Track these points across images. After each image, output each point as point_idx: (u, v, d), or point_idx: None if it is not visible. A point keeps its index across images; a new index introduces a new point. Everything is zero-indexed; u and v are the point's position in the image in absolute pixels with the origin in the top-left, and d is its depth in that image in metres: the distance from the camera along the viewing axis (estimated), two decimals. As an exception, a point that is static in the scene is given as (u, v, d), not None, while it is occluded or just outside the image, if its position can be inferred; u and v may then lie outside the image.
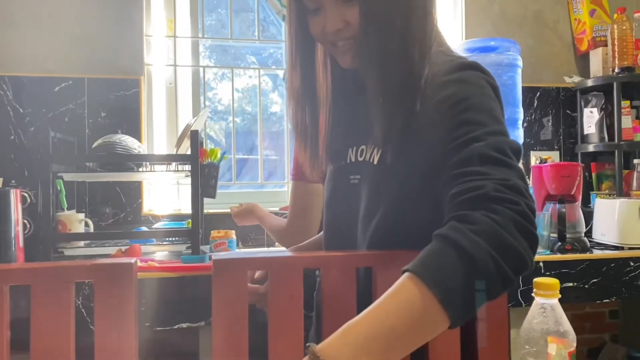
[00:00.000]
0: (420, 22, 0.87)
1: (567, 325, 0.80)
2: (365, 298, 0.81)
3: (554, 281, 0.80)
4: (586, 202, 2.36)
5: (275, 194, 2.46)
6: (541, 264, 1.74)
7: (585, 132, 2.42)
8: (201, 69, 2.37)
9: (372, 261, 0.83)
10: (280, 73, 2.52)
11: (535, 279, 0.81)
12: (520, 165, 0.75)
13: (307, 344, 0.61)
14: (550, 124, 2.49)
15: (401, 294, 0.63)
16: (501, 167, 0.71)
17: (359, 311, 0.78)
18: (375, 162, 0.88)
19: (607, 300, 1.79)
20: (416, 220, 0.84)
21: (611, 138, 2.30)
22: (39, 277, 0.74)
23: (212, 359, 0.78)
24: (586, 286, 1.76)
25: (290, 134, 2.45)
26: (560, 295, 0.80)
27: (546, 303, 0.79)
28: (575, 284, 1.75)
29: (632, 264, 1.79)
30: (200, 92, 2.36)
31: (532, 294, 0.80)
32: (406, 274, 0.64)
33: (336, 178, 0.98)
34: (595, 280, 1.77)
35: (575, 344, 0.80)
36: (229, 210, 2.18)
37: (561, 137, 2.50)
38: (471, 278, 0.63)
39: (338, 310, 0.81)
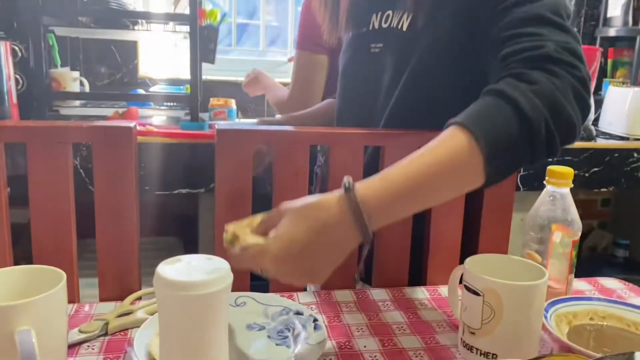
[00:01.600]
0: None
1: (574, 215, 0.79)
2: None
3: (568, 170, 0.78)
4: (597, 89, 2.29)
5: (276, 64, 2.36)
6: (545, 150, 1.72)
7: (609, 15, 2.27)
8: None
9: (382, 140, 0.80)
10: None
11: (550, 167, 0.79)
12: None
13: (346, 181, 0.56)
14: (573, 2, 2.34)
15: (446, 144, 0.58)
16: (559, 31, 0.65)
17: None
18: (404, 29, 0.81)
19: (604, 189, 1.80)
20: (442, 97, 0.80)
21: (635, 22, 2.17)
22: (35, 136, 0.70)
23: (214, 229, 0.77)
24: (587, 174, 1.75)
25: None
26: (572, 185, 0.78)
27: (557, 192, 0.77)
28: (576, 171, 1.73)
29: (635, 154, 1.78)
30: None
31: (544, 182, 0.78)
32: (454, 125, 0.59)
33: (355, 46, 0.91)
34: (596, 169, 1.76)
35: (580, 234, 0.80)
36: (228, 78, 2.12)
37: (582, 19, 2.36)
38: (522, 140, 0.59)
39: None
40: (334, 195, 0.56)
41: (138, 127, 1.51)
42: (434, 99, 0.81)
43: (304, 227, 0.55)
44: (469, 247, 0.88)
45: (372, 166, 0.77)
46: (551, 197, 0.78)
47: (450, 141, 0.58)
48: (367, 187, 0.56)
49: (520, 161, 0.62)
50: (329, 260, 0.57)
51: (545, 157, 0.63)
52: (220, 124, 0.76)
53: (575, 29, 2.25)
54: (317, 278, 0.58)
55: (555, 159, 0.78)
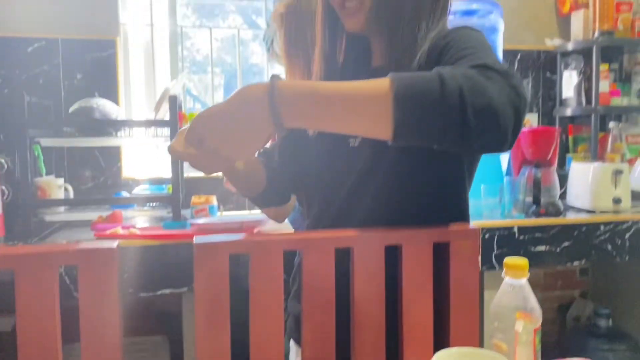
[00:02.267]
0: (418, 6, 0.89)
1: (534, 303, 0.84)
2: (345, 276, 0.85)
3: (523, 262, 0.83)
4: (562, 164, 2.41)
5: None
6: (515, 228, 1.79)
7: (564, 96, 2.44)
8: (179, 28, 2.32)
9: (352, 242, 0.86)
10: (262, 22, 2.46)
11: (505, 260, 0.84)
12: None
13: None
14: (530, 86, 2.51)
15: (369, 82, 0.67)
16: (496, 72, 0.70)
17: (337, 288, 0.82)
18: None
19: (576, 263, 1.87)
20: (422, 190, 0.88)
21: (589, 101, 2.33)
22: (22, 263, 0.74)
23: (195, 336, 0.80)
24: (558, 249, 1.82)
25: None
26: (528, 275, 0.84)
27: (515, 282, 0.83)
28: (547, 247, 1.81)
29: (602, 228, 1.86)
30: (178, 51, 2.31)
31: (502, 274, 0.84)
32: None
33: (332, 140, 0.93)
34: (566, 244, 1.83)
35: (540, 321, 0.84)
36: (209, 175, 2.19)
37: (540, 100, 2.53)
38: (433, 97, 0.64)
39: (318, 288, 0.84)
40: (262, 83, 0.66)
41: (121, 231, 1.57)
42: (414, 192, 0.88)
43: (229, 98, 0.67)
44: (441, 337, 0.92)
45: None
46: (511, 288, 0.83)
47: (373, 81, 0.67)
48: (289, 82, 0.67)
49: (430, 119, 0.65)
50: (242, 133, 0.67)
51: (457, 128, 0.65)
52: (198, 238, 0.82)
53: (535, 110, 2.34)
54: (231, 148, 0.67)
55: (473, 153, 0.86)
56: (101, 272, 0.77)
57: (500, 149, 0.71)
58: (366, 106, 0.66)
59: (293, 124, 0.67)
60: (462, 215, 0.95)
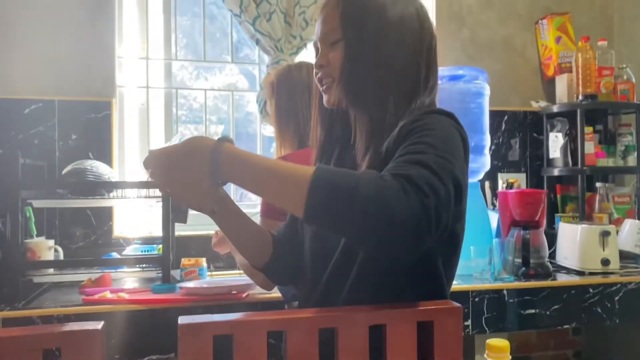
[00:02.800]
0: (398, 76, 0.94)
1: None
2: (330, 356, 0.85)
3: (504, 344, 0.84)
4: (551, 224, 2.43)
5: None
6: (505, 291, 1.80)
7: (551, 156, 2.49)
8: (173, 91, 2.37)
9: (336, 322, 0.86)
10: (255, 71, 2.51)
11: (488, 341, 0.85)
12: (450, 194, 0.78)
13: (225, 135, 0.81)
14: (517, 145, 2.56)
15: (300, 166, 0.76)
16: (431, 173, 0.76)
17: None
18: None
19: (567, 326, 1.86)
20: (393, 269, 0.91)
21: (575, 162, 2.37)
22: (6, 347, 0.75)
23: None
24: (547, 312, 1.82)
25: (264, 139, 2.45)
26: (510, 357, 0.84)
27: (498, 364, 0.83)
28: (537, 310, 1.81)
29: (591, 290, 1.86)
30: (173, 113, 2.36)
31: (485, 355, 0.84)
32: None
33: None
34: (556, 306, 1.83)
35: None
36: (200, 233, 2.20)
37: (528, 160, 2.57)
38: (341, 198, 0.71)
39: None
40: (212, 138, 0.79)
41: (110, 295, 1.56)
42: (390, 273, 0.90)
43: (180, 143, 0.79)
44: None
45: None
46: (494, 369, 0.84)
47: (302, 168, 0.76)
48: (233, 147, 0.78)
49: (335, 216, 0.72)
50: (182, 175, 0.78)
51: (356, 231, 0.73)
52: (183, 318, 0.82)
53: (523, 169, 2.37)
54: (171, 187, 0.79)
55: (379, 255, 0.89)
56: (85, 354, 0.77)
57: (397, 261, 0.81)
58: (287, 187, 0.75)
59: (227, 180, 0.80)
60: (442, 289, 0.96)
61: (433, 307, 0.89)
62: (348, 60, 0.94)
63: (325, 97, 1.00)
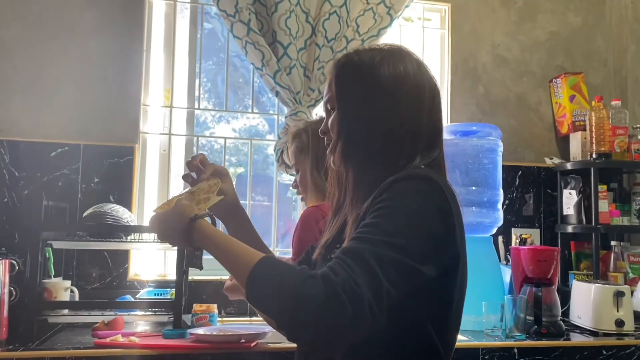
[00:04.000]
0: (386, 138, 0.98)
1: None
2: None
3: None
4: (565, 281, 2.41)
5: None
6: (515, 350, 1.78)
7: (565, 213, 2.49)
8: (194, 138, 2.45)
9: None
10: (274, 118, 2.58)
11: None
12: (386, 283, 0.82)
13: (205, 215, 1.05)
14: (531, 200, 2.57)
15: (250, 251, 0.92)
16: (365, 275, 0.81)
17: None
18: None
19: (580, 389, 1.82)
20: (382, 345, 0.93)
21: (589, 220, 2.37)
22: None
23: None
24: (559, 373, 1.79)
25: (280, 185, 2.50)
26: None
27: None
28: (548, 371, 1.78)
29: (604, 352, 1.83)
30: (193, 159, 2.42)
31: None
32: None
33: None
34: (568, 367, 1.80)
35: None
36: (214, 278, 2.22)
37: (542, 215, 2.58)
38: (275, 289, 0.83)
39: None
40: (192, 212, 1.02)
41: (121, 339, 1.59)
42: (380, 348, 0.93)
43: (171, 209, 1.04)
44: None
45: None
46: None
47: (252, 253, 0.91)
48: (207, 225, 1.00)
49: (264, 304, 0.85)
50: (167, 235, 1.04)
51: (280, 324, 0.83)
52: None
53: (537, 225, 2.36)
54: (163, 237, 1.06)
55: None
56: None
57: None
58: (237, 269, 0.91)
59: (199, 246, 1.01)
60: (438, 355, 0.96)
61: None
62: (338, 126, 1.02)
63: (329, 158, 1.07)
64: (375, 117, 0.99)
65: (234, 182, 1.29)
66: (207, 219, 1.04)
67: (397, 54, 1.02)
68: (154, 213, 1.10)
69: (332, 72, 1.05)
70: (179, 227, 1.00)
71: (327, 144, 1.07)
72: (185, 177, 1.21)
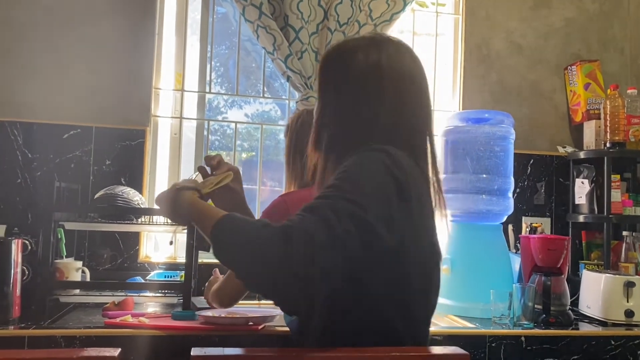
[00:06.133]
0: (358, 133, 1.04)
1: None
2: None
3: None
4: (575, 270, 2.40)
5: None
6: (523, 338, 1.78)
7: (576, 202, 2.47)
8: (205, 122, 2.45)
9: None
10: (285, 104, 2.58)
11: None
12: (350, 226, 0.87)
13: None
14: (543, 189, 2.55)
15: (216, 211, 1.00)
16: (320, 222, 0.85)
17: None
18: None
19: (587, 378, 1.82)
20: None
21: (601, 210, 2.35)
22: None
23: None
24: (567, 362, 1.79)
25: None
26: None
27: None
28: (555, 359, 1.78)
29: (613, 342, 1.82)
30: (204, 143, 2.44)
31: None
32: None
33: None
34: (576, 357, 1.80)
35: None
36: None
37: (553, 205, 2.56)
38: (233, 238, 0.90)
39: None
40: (183, 186, 1.16)
41: (131, 319, 1.61)
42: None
43: (169, 189, 1.18)
44: None
45: None
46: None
47: (216, 212, 0.99)
48: (191, 195, 1.12)
49: (229, 252, 0.91)
50: (165, 207, 1.16)
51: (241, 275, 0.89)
52: (195, 350, 0.86)
53: (548, 214, 2.34)
54: (162, 213, 1.28)
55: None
56: (102, 378, 0.81)
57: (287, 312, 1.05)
58: (204, 224, 0.98)
59: (185, 217, 1.13)
60: (395, 333, 0.98)
61: (439, 354, 0.90)
62: (317, 115, 1.10)
63: (308, 148, 1.15)
64: (348, 106, 1.04)
65: (242, 169, 1.37)
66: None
67: (376, 44, 1.07)
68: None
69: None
70: (169, 197, 1.14)
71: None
72: (200, 169, 1.33)
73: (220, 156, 1.31)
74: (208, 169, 1.33)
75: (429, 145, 1.08)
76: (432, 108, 1.14)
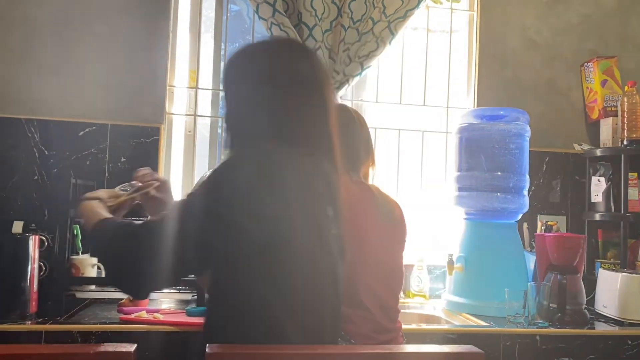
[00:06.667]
0: (236, 122, 1.19)
1: None
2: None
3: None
4: (591, 269, 2.37)
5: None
6: (538, 337, 1.76)
7: (593, 200, 2.44)
8: (219, 120, 2.46)
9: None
10: None
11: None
12: None
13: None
14: (558, 187, 2.52)
15: (97, 217, 1.20)
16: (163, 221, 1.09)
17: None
18: None
19: (603, 378, 1.80)
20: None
21: (617, 208, 2.32)
22: (46, 362, 0.80)
23: None
24: (582, 362, 1.77)
25: None
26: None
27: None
28: (571, 359, 1.77)
29: (629, 342, 1.81)
30: (217, 141, 2.45)
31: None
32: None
33: None
34: (592, 356, 1.78)
35: None
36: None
37: (569, 202, 2.53)
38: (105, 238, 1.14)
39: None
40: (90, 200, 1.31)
41: (146, 315, 1.62)
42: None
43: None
44: None
45: None
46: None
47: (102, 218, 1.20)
48: (87, 202, 1.29)
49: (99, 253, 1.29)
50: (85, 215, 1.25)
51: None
52: (211, 347, 0.86)
53: (563, 212, 2.32)
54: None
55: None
56: (118, 374, 0.81)
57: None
58: (88, 230, 1.20)
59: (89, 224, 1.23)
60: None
61: (454, 352, 0.90)
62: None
63: None
64: (240, 107, 1.15)
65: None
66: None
67: (272, 48, 1.22)
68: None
69: None
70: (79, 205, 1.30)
71: None
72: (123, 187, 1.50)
73: (146, 171, 1.45)
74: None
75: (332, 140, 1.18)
76: (328, 106, 1.18)
